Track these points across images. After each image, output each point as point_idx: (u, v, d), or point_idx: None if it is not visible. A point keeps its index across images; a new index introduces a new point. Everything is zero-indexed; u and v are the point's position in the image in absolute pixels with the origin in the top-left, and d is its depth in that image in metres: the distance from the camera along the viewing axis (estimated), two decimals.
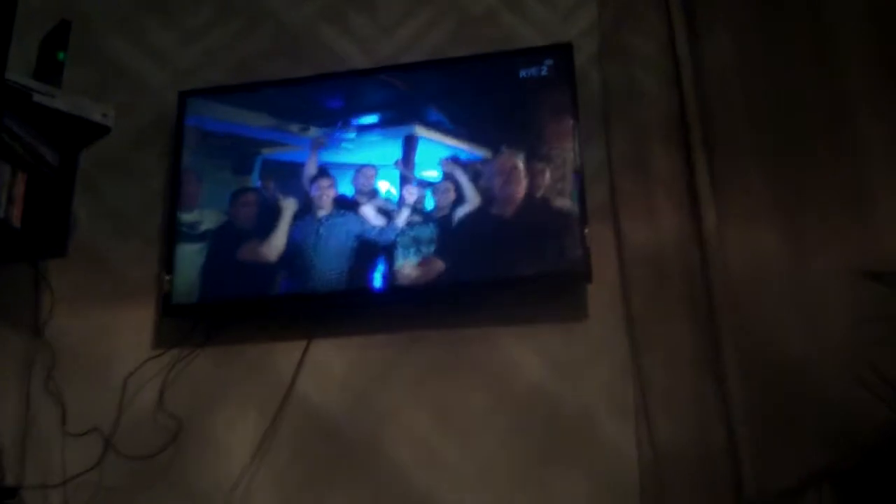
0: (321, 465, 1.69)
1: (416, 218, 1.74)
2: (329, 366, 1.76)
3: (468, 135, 1.78)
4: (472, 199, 1.74)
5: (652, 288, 1.65)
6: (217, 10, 2.10)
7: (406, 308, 1.76)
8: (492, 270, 1.69)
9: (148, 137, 2.00)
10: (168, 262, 1.80)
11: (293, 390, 1.74)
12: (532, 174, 1.72)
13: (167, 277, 1.78)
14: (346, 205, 1.79)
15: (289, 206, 1.80)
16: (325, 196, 1.80)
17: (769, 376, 1.54)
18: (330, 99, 1.88)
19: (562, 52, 1.80)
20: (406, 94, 1.85)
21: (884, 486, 1.32)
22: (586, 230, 1.66)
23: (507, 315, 1.72)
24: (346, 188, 1.80)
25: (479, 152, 1.76)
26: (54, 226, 1.85)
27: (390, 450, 1.68)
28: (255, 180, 1.84)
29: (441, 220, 1.73)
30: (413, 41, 1.98)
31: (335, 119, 1.85)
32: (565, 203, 1.69)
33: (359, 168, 1.81)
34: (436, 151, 1.79)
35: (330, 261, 1.74)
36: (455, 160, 1.77)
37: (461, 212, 1.73)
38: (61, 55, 1.83)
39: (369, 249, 1.74)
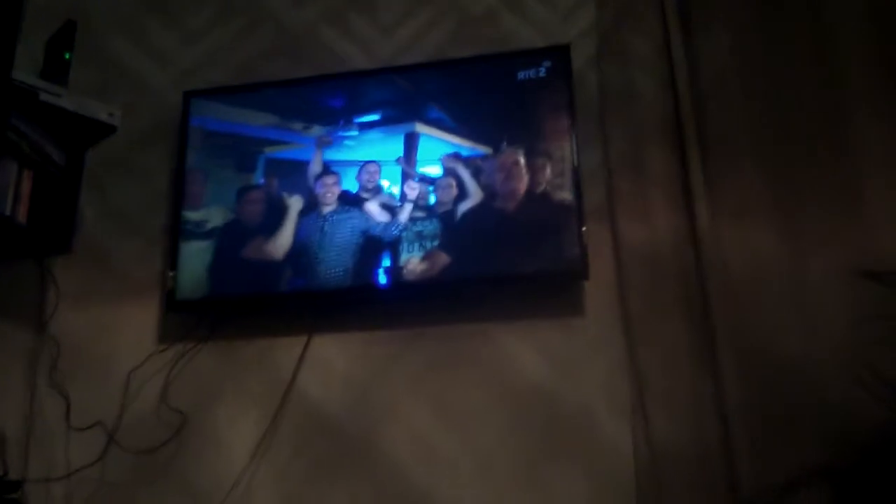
0: (322, 460, 1.71)
1: (419, 213, 1.75)
2: (330, 362, 1.77)
3: (469, 132, 1.79)
4: (475, 194, 1.74)
5: (648, 287, 1.65)
6: (218, 11, 2.11)
7: (408, 304, 1.77)
8: (494, 266, 1.69)
9: (150, 137, 2.01)
10: (172, 259, 1.81)
11: (294, 386, 1.75)
12: (533, 170, 1.73)
13: (171, 274, 1.80)
14: (350, 201, 1.80)
15: (294, 203, 1.81)
16: (329, 193, 1.81)
17: (767, 375, 1.53)
18: (331, 98, 1.89)
19: (559, 54, 1.80)
20: (407, 93, 1.86)
21: (882, 486, 1.31)
22: (584, 229, 1.67)
23: (506, 312, 1.72)
24: (351, 185, 1.81)
25: (480, 149, 1.77)
26: (60, 223, 1.88)
27: (390, 446, 1.69)
28: (258, 178, 1.85)
29: (444, 216, 1.74)
30: (413, 41, 1.99)
31: (337, 118, 1.86)
32: (566, 196, 1.69)
33: (363, 164, 1.82)
34: (437, 148, 1.79)
35: (335, 257, 1.75)
36: (456, 156, 1.77)
37: (464, 206, 1.74)
38: (68, 55, 1.85)
39: (374, 245, 1.75)
